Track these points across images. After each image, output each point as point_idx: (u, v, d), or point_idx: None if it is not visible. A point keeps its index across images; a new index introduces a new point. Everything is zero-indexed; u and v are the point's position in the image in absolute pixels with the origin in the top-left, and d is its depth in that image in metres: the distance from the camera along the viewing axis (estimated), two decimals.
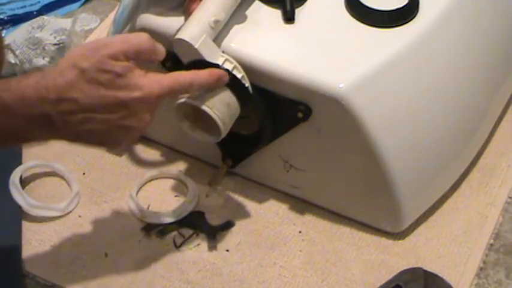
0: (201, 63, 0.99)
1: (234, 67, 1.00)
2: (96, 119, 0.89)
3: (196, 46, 0.98)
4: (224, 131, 1.00)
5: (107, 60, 0.89)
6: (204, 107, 0.98)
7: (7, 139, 0.90)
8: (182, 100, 0.99)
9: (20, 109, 0.87)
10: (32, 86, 0.87)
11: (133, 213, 1.13)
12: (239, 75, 1.00)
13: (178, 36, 0.98)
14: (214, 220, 1.12)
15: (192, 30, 0.99)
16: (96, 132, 0.90)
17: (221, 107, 0.99)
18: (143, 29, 1.06)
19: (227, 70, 0.99)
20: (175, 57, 1.01)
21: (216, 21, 0.99)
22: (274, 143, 1.09)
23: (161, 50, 0.94)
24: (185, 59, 1.00)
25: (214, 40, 1.00)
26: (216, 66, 0.99)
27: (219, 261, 1.09)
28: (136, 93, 0.90)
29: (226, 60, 1.00)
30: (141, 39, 0.93)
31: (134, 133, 0.93)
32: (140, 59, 0.92)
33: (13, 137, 0.90)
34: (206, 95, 0.99)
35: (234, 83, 0.99)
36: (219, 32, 1.02)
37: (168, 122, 1.05)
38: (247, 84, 1.01)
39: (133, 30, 1.08)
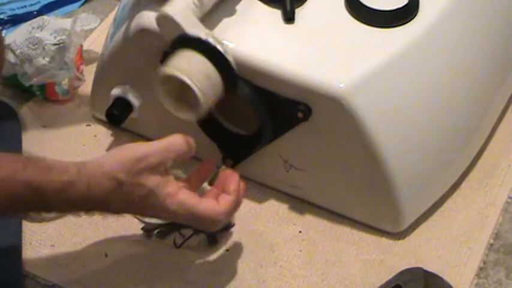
0: (184, 38, 0.98)
1: (216, 41, 0.98)
2: None
3: (175, 18, 0.98)
4: (205, 103, 0.98)
5: (146, 176, 0.92)
6: (183, 77, 0.96)
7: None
8: (165, 72, 0.98)
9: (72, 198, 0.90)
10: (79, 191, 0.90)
11: None
12: (221, 49, 0.98)
13: (159, 12, 0.98)
14: None
15: (175, 6, 0.99)
16: None
17: (201, 78, 0.97)
18: (143, 29, 1.06)
19: (208, 41, 0.98)
20: None
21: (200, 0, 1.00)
22: (274, 143, 1.09)
23: (193, 146, 0.97)
24: (170, 37, 1.00)
25: None
26: (198, 39, 0.98)
27: (219, 261, 1.09)
28: (162, 214, 0.95)
29: (208, 35, 0.99)
30: (179, 144, 0.95)
31: None
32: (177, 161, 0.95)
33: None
34: (185, 66, 0.97)
35: (214, 56, 0.98)
36: (220, 33, 1.02)
37: (169, 122, 1.05)
38: (230, 59, 0.99)
39: (133, 29, 1.08)
